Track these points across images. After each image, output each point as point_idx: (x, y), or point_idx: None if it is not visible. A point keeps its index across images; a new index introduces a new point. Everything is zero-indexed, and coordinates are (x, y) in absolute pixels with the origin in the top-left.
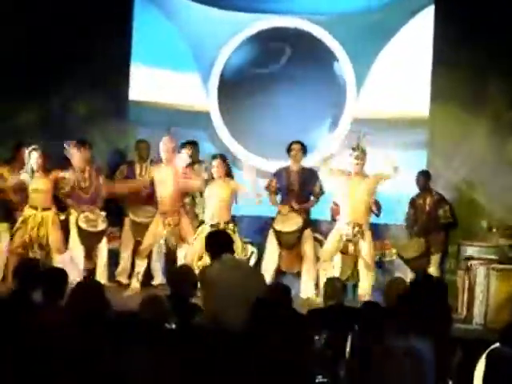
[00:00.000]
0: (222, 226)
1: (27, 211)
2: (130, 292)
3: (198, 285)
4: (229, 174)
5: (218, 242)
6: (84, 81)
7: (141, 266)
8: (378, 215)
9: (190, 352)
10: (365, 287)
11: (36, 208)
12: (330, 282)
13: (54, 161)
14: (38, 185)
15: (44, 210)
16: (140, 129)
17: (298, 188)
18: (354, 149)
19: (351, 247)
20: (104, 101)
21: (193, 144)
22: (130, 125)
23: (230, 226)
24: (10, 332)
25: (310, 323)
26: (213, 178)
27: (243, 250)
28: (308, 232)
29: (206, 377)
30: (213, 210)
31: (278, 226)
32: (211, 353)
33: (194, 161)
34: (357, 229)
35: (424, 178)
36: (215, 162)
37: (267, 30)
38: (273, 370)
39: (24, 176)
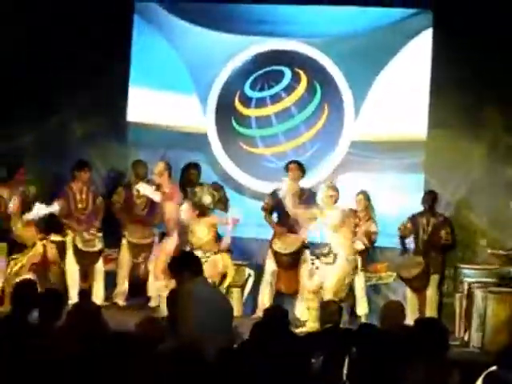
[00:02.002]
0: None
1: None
2: None
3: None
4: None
5: (190, 264)
6: (83, 102)
7: None
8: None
9: (187, 374)
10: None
11: None
12: (326, 304)
13: (53, 182)
14: None
15: None
16: (138, 150)
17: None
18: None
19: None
20: (103, 122)
21: (195, 166)
22: (129, 146)
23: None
24: (7, 354)
25: (307, 345)
26: None
27: (238, 273)
28: (306, 254)
29: None
30: None
31: (277, 246)
32: (207, 375)
33: (196, 183)
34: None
35: (431, 198)
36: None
37: (265, 53)
38: None
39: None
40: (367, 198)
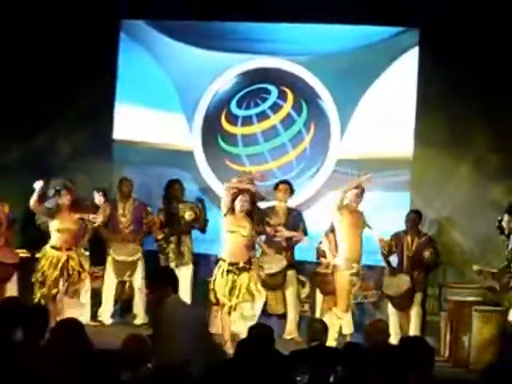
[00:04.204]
0: (241, 265)
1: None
2: None
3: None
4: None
5: (167, 281)
6: (69, 120)
7: None
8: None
9: None
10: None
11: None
12: (312, 323)
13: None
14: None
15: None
16: (124, 168)
17: (284, 228)
18: (357, 186)
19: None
20: (89, 140)
21: (179, 182)
22: (115, 164)
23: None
24: None
25: (292, 364)
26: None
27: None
28: (292, 273)
29: None
30: (233, 248)
31: (266, 266)
32: None
33: (180, 199)
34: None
35: (415, 217)
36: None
37: (252, 71)
38: None
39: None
40: None
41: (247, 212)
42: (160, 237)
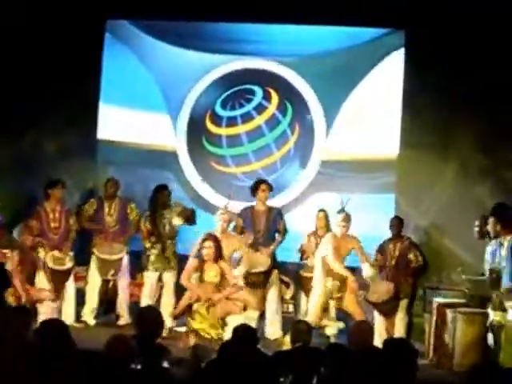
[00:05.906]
0: None
1: None
2: None
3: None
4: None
5: None
6: (54, 120)
7: None
8: None
9: None
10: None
11: None
12: (297, 324)
13: (24, 198)
14: None
15: None
16: (109, 168)
17: (265, 227)
18: (338, 212)
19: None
20: (74, 140)
21: (166, 187)
22: (99, 164)
23: None
24: None
25: (275, 365)
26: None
27: None
28: (275, 273)
29: None
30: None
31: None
32: None
33: (165, 205)
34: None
35: (398, 223)
36: (207, 244)
37: (237, 72)
38: None
39: None
40: (327, 216)
41: None
42: (148, 245)
